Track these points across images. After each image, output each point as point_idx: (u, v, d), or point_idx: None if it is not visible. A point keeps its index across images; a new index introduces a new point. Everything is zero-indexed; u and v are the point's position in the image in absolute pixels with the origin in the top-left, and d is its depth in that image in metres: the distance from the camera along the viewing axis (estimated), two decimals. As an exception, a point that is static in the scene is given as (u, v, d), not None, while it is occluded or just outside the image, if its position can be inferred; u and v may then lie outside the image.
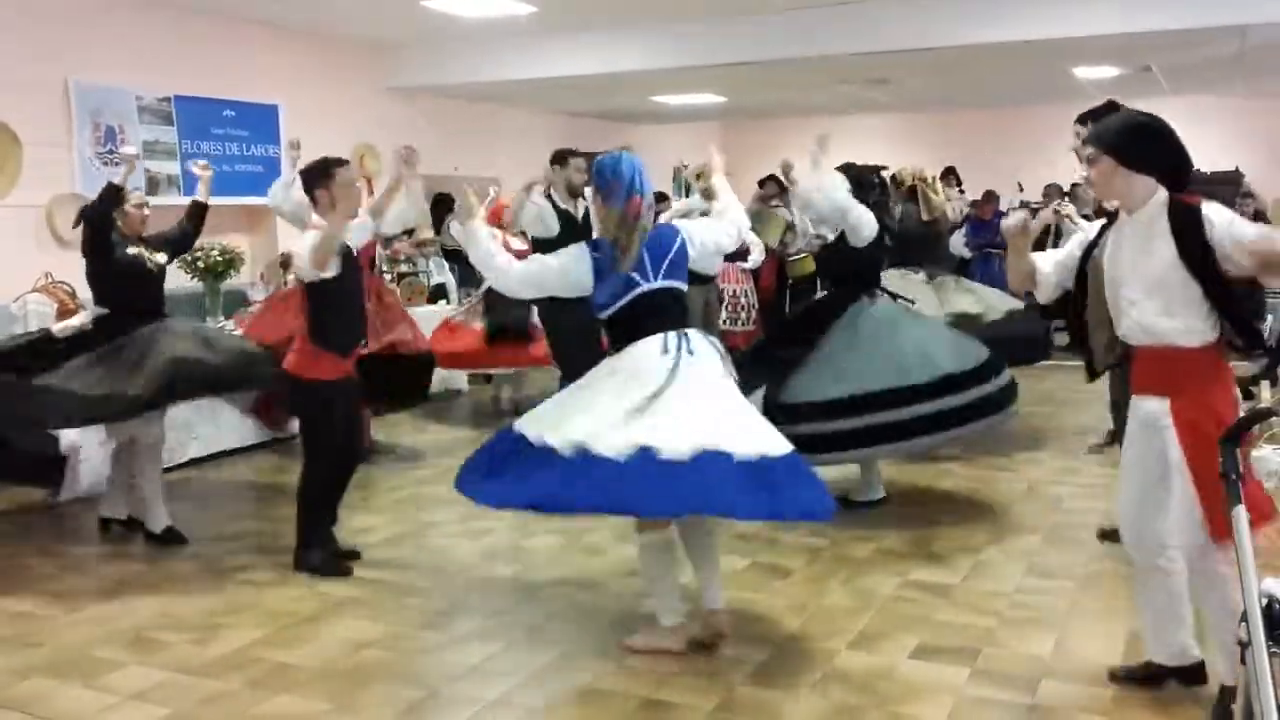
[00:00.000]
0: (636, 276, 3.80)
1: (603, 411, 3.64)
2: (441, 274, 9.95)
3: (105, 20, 7.60)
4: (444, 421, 8.39)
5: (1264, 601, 2.44)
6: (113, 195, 5.18)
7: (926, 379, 5.16)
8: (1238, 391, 3.24)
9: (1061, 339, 11.69)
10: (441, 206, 10.00)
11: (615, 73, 9.62)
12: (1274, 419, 5.40)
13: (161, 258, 5.45)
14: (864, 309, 5.52)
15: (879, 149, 14.30)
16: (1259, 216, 11.56)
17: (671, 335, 3.78)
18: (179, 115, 8.16)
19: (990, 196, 11.71)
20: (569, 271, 3.86)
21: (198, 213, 5.74)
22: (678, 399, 3.63)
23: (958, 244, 11.63)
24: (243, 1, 8.15)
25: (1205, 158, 3.18)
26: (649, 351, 3.75)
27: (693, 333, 3.86)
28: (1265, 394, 6.84)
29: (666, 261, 3.85)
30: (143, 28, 7.86)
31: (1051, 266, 3.55)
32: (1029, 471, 6.47)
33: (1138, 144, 3.21)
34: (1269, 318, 11.13)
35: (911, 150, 14.39)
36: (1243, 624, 2.42)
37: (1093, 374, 3.63)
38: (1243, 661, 2.45)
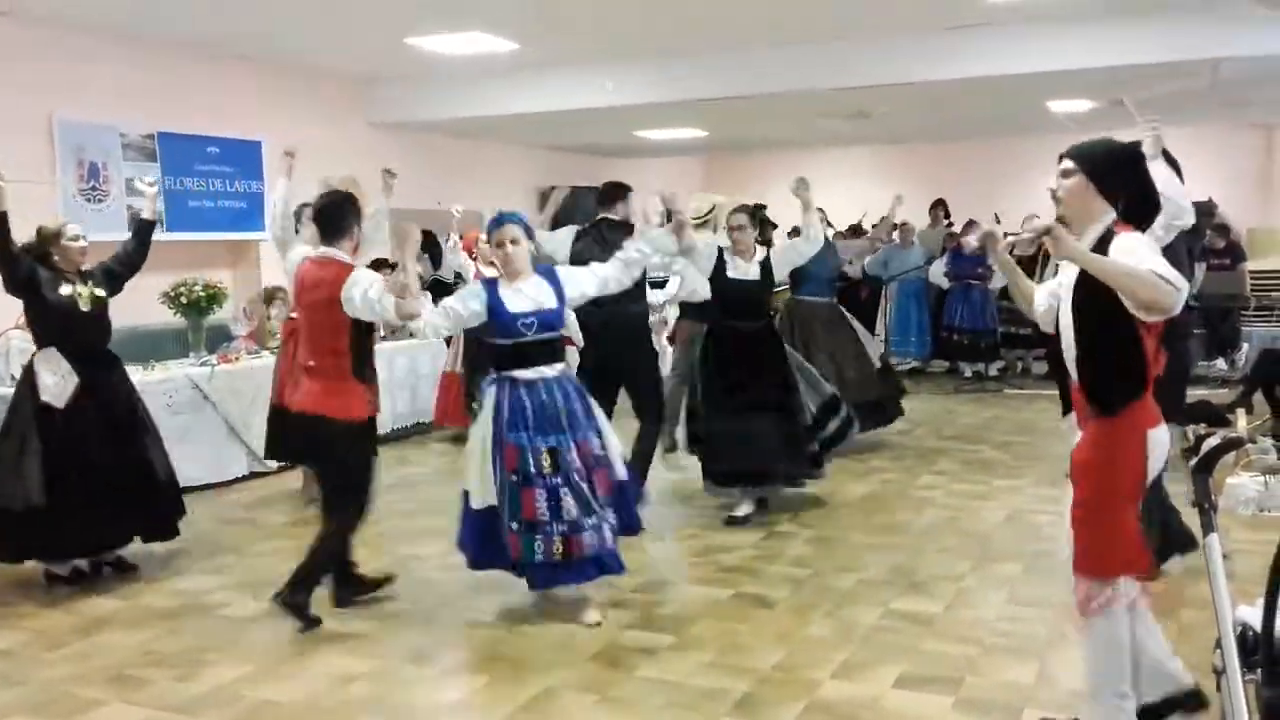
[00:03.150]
0: None
1: None
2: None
3: (89, 57, 7.64)
4: (424, 452, 8.40)
5: (1238, 629, 2.47)
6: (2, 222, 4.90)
7: None
8: (1148, 443, 3.05)
9: (1040, 368, 11.82)
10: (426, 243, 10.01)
11: (597, 108, 9.70)
12: (1249, 446, 5.46)
13: (101, 291, 5.27)
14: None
15: (860, 181, 14.46)
16: (1233, 246, 11.70)
17: None
18: (162, 152, 8.19)
19: (971, 227, 11.71)
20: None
21: (145, 230, 5.59)
22: None
23: (937, 274, 11.68)
24: (226, 38, 8.20)
25: (1177, 189, 3.25)
26: None
27: None
28: (1241, 422, 6.86)
29: None
30: (126, 65, 7.90)
31: (1044, 297, 3.45)
32: (1009, 500, 6.51)
33: (1114, 167, 3.22)
34: (1244, 346, 11.26)
35: (891, 182, 14.53)
36: (1217, 650, 2.45)
37: (1068, 407, 3.63)
38: (1218, 689, 2.48)
